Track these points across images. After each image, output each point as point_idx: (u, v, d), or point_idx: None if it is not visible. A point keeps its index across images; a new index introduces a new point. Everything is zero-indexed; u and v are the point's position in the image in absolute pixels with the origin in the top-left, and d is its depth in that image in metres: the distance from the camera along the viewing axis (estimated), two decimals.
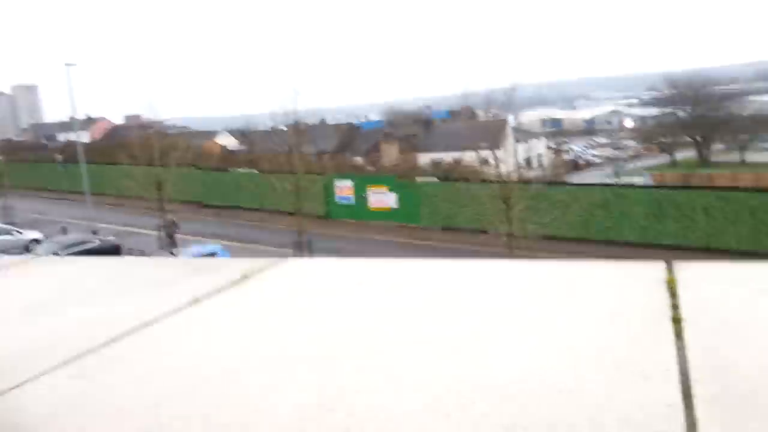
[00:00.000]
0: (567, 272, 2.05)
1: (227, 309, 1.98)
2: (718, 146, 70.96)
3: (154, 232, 28.57)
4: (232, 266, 2.55)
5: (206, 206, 38.28)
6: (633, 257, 23.83)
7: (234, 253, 25.42)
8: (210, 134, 70.10)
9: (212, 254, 24.05)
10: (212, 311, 1.96)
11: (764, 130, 69.88)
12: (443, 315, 1.77)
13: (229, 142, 65.25)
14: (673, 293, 1.70)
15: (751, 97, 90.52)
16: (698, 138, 68.57)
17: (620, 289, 1.81)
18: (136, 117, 36.33)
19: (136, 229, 31.34)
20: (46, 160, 50.70)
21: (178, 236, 28.30)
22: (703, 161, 66.12)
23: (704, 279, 1.85)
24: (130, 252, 27.34)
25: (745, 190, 27.61)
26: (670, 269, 1.91)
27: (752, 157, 66.39)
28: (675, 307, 1.61)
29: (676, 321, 1.54)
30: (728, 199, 24.18)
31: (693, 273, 1.89)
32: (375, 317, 1.81)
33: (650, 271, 1.92)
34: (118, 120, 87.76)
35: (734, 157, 67.21)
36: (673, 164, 65.17)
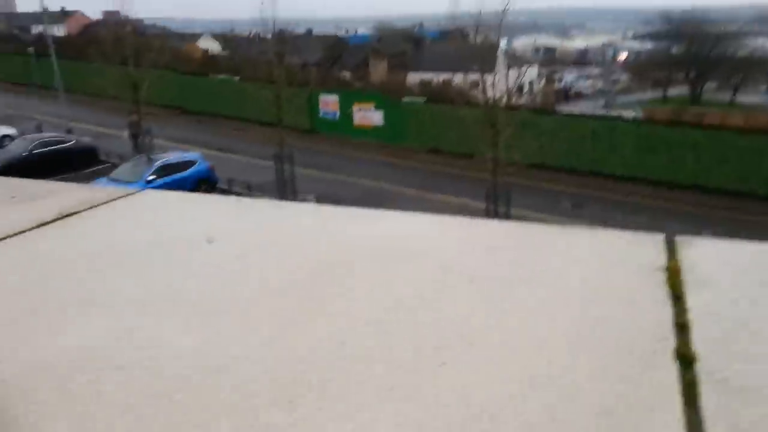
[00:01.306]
0: (542, 238, 1.61)
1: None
2: (710, 85, 70.30)
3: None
4: (58, 196, 1.98)
5: (185, 112, 37.12)
6: (618, 190, 23.81)
7: (215, 161, 24.76)
8: (192, 37, 67.31)
9: (191, 162, 23.39)
10: None
11: (758, 71, 69.14)
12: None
13: (212, 46, 62.79)
14: (675, 286, 1.28)
15: (748, 39, 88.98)
16: (691, 75, 67.68)
17: (603, 276, 1.37)
18: (115, 13, 34.36)
19: (111, 131, 30.33)
20: (18, 53, 48.36)
21: (156, 141, 27.43)
22: (695, 99, 65.56)
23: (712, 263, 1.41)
24: (107, 155, 26.53)
25: (735, 130, 27.28)
26: (671, 247, 1.48)
27: (744, 98, 65.97)
28: (680, 311, 1.19)
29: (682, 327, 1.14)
30: (718, 138, 23.85)
31: (701, 257, 1.44)
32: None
33: (645, 250, 1.48)
34: (95, 15, 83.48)
35: (726, 97, 66.72)
36: (665, 100, 64.45)
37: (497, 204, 19.16)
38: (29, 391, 0.96)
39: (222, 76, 37.22)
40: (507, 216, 18.74)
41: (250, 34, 49.31)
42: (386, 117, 31.57)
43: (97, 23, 66.46)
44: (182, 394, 0.95)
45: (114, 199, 1.89)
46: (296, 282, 1.35)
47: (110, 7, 32.65)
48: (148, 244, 1.58)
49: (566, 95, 66.08)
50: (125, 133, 27.63)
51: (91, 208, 1.81)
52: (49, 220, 1.74)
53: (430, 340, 1.10)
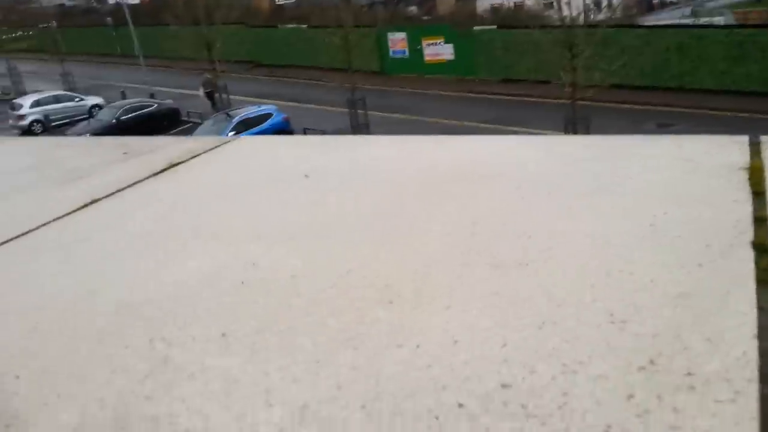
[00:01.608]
0: (622, 149, 1.63)
1: (132, 210, 1.67)
2: None
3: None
4: (164, 149, 2.15)
5: (258, 65, 37.66)
6: (707, 105, 22.40)
7: (290, 112, 25.20)
8: None
9: (267, 115, 23.93)
10: (111, 213, 1.66)
11: None
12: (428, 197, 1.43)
13: None
14: (756, 184, 1.28)
15: None
16: None
17: (683, 178, 1.39)
18: None
19: (190, 91, 31.35)
20: (97, 24, 50.29)
21: (233, 97, 28.14)
22: None
23: None
24: (188, 114, 27.56)
25: None
26: (755, 148, 1.47)
27: None
28: (760, 206, 1.21)
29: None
30: None
31: None
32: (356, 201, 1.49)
33: (727, 152, 1.47)
34: None
35: None
36: (759, 1, 58.94)
37: (577, 131, 18.53)
38: (171, 305, 1.14)
39: (291, 26, 37.30)
40: None
41: None
42: (457, 50, 30.80)
43: None
44: (296, 299, 1.10)
45: (213, 148, 2.07)
46: (387, 205, 1.47)
47: None
48: (249, 182, 1.75)
49: (650, 5, 61.81)
50: (200, 92, 28.48)
51: (194, 157, 1.99)
52: (159, 170, 1.93)
53: (511, 246, 1.19)
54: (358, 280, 1.15)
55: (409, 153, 1.87)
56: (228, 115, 23.47)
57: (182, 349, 1.01)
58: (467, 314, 1.00)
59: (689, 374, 0.81)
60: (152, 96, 29.84)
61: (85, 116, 28.78)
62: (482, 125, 23.84)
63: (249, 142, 2.17)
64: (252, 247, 1.34)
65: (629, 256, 1.10)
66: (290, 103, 28.31)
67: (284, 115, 24.00)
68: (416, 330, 0.98)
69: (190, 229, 1.49)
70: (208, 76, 28.13)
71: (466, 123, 24.20)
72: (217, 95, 27.94)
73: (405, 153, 1.87)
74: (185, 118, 27.48)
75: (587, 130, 18.46)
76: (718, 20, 35.66)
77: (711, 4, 54.87)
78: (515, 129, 22.26)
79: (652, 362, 0.84)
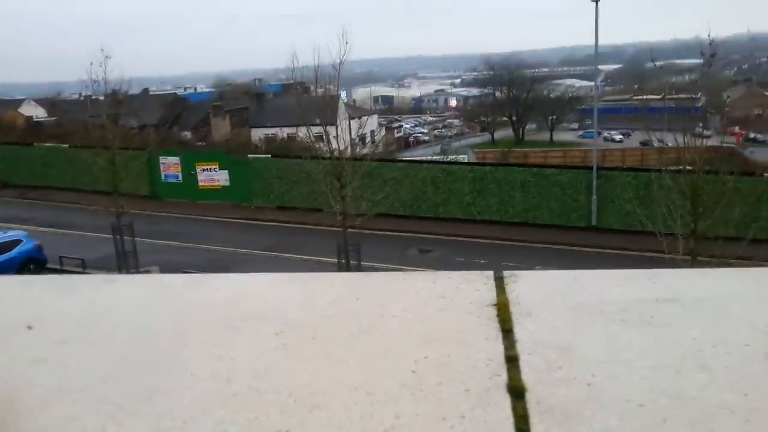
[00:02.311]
0: (382, 285, 1.66)
1: None
2: (531, 125, 77.49)
3: None
4: None
5: (7, 185, 33.90)
6: (459, 233, 25.09)
7: (45, 239, 22.76)
8: (11, 103, 62.22)
9: (16, 242, 21.33)
10: None
11: (568, 111, 77.63)
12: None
13: (35, 112, 58.36)
14: (504, 320, 1.37)
15: (557, 81, 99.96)
16: (513, 117, 74.27)
17: (439, 317, 1.45)
18: None
19: None
20: None
21: None
22: (519, 140, 71.76)
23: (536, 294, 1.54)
24: None
25: (555, 167, 30.21)
26: (500, 283, 1.59)
27: (559, 135, 73.47)
28: (510, 344, 1.28)
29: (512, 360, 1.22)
30: (541, 175, 26.20)
31: (525, 289, 1.56)
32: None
33: (476, 288, 1.58)
34: None
35: (545, 135, 73.84)
36: (493, 142, 69.95)
37: (348, 257, 19.37)
38: None
39: (49, 144, 34.58)
40: (359, 267, 19.01)
41: (80, 96, 46.62)
42: (232, 176, 31.04)
43: None
44: None
45: None
46: (130, 361, 1.26)
47: None
48: None
49: (407, 142, 69.47)
50: None
51: None
52: None
53: (271, 408, 1.06)
54: None
55: (158, 294, 1.68)
56: None
57: None
58: None
59: None
60: None
61: None
62: (260, 252, 23.79)
63: None
64: None
65: (394, 411, 1.04)
66: (46, 229, 25.67)
67: (36, 242, 21.59)
68: None
69: None
70: None
71: (242, 250, 23.97)
72: None
73: (153, 294, 1.67)
74: None
75: (358, 257, 19.37)
76: (463, 158, 41.20)
77: (456, 144, 63.49)
78: (291, 256, 22.58)
79: None
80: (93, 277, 1.82)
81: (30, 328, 1.45)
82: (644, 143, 44.61)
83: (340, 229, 20.23)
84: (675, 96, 37.83)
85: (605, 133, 68.17)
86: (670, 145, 23.61)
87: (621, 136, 69.51)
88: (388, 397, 1.08)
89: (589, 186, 24.91)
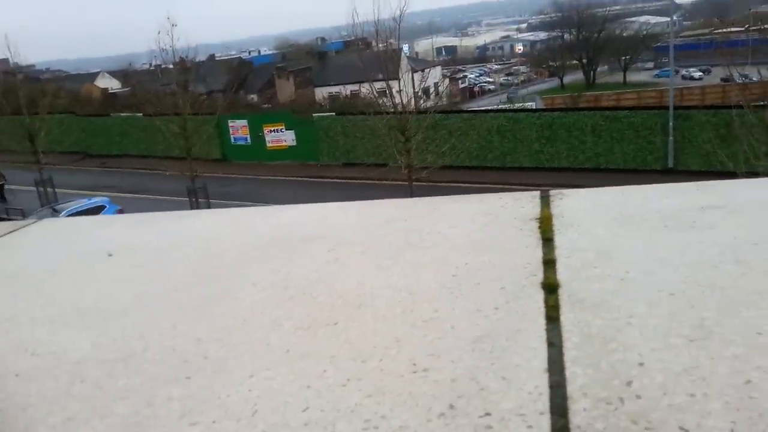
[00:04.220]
0: (433, 207, 1.72)
1: None
2: (602, 68, 74.19)
3: (34, 188, 26.27)
4: None
5: (89, 155, 35.70)
6: (527, 182, 24.66)
7: (125, 204, 23.96)
8: (88, 76, 64.92)
9: (100, 207, 22.53)
10: None
11: (642, 50, 73.72)
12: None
13: (110, 84, 60.74)
14: (545, 231, 1.41)
15: (631, 19, 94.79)
16: (584, 60, 71.21)
17: (483, 230, 1.50)
18: (3, 62, 32.71)
19: (13, 186, 28.77)
20: None
21: (62, 190, 26.23)
22: (590, 83, 68.96)
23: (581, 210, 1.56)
24: (8, 212, 25.13)
25: (628, 108, 28.97)
26: (545, 200, 1.62)
27: (633, 76, 70.07)
28: (549, 250, 1.32)
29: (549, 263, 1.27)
30: (613, 118, 25.21)
31: (570, 204, 1.59)
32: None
33: (522, 205, 1.62)
34: None
35: (617, 77, 70.62)
36: (563, 87, 67.54)
37: None
38: None
39: (125, 114, 36.04)
40: None
41: (150, 66, 48.13)
42: (298, 136, 31.49)
43: None
44: (77, 387, 0.98)
45: (11, 231, 1.86)
46: (196, 277, 1.39)
47: None
48: (41, 265, 1.57)
49: (471, 92, 68.13)
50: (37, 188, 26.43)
51: None
52: None
53: (322, 307, 1.17)
54: (153, 357, 1.05)
55: (227, 224, 1.81)
56: (54, 209, 21.70)
57: None
58: (271, 381, 0.94)
59: (486, 414, 0.82)
60: None
61: None
62: None
63: (52, 224, 1.98)
64: (35, 333, 1.18)
65: (433, 306, 1.11)
66: (126, 195, 26.95)
67: (118, 207, 22.73)
68: (214, 405, 0.90)
69: None
70: None
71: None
72: (43, 189, 25.88)
73: (221, 225, 1.81)
74: (3, 216, 24.98)
75: None
76: (530, 105, 40.09)
77: (523, 91, 61.69)
78: None
79: (451, 407, 0.84)
80: (168, 214, 1.98)
81: (110, 255, 1.61)
82: (725, 79, 41.93)
83: (406, 182, 20.33)
84: (760, 27, 35.18)
85: (683, 71, 64.51)
86: (754, 79, 22.28)
87: (700, 74, 65.59)
88: (428, 296, 1.16)
89: (665, 127, 23.80)
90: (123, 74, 65.10)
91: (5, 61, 32.16)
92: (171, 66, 27.39)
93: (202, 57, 51.68)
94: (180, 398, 0.92)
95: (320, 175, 29.23)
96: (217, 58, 64.95)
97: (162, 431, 0.85)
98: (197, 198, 22.30)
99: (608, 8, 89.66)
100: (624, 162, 24.82)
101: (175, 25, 23.35)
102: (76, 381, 1.00)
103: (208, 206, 22.42)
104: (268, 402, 0.89)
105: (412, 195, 19.61)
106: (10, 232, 1.90)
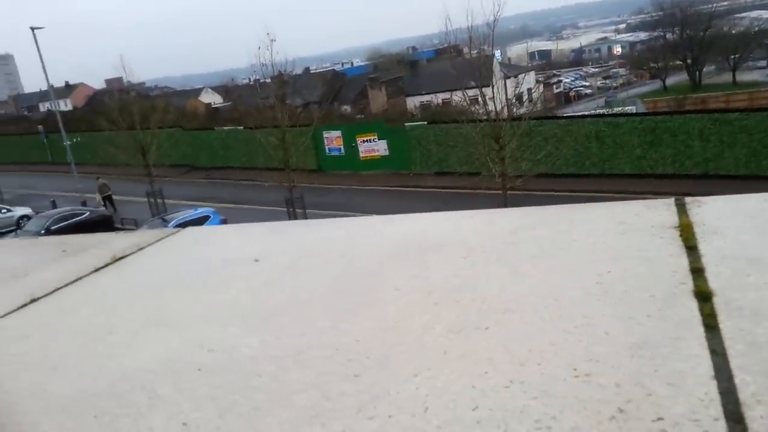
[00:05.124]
0: (561, 216, 1.72)
1: (73, 308, 1.61)
2: (709, 68, 70.03)
3: (144, 199, 28.14)
4: (107, 245, 2.13)
5: (195, 168, 37.73)
6: (629, 189, 23.70)
7: (228, 214, 25.11)
8: (193, 92, 68.76)
9: (205, 217, 23.73)
10: (52, 310, 1.60)
11: (754, 47, 68.96)
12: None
13: (213, 99, 64.03)
14: (688, 239, 1.38)
15: (741, 14, 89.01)
16: (689, 61, 67.56)
17: (621, 238, 1.48)
18: (117, 80, 35.29)
19: (125, 197, 30.91)
20: (28, 132, 49.62)
21: (170, 201, 27.92)
22: (695, 84, 65.33)
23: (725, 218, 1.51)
24: (122, 221, 27.02)
25: (740, 110, 27.22)
26: (681, 208, 1.59)
27: (743, 76, 65.68)
28: (695, 258, 1.29)
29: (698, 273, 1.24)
30: (723, 121, 23.77)
31: (710, 212, 1.55)
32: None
33: (658, 212, 1.59)
34: (98, 85, 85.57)
35: (726, 78, 66.44)
36: (665, 90, 64.38)
37: None
38: (125, 396, 1.09)
39: (227, 127, 37.85)
40: None
41: (250, 81, 50.25)
42: (390, 145, 31.85)
43: (101, 92, 68.30)
44: (256, 380, 1.07)
45: (160, 239, 2.04)
46: (341, 281, 1.48)
47: (111, 75, 33.47)
48: (199, 269, 1.72)
49: (567, 97, 66.31)
50: (97, 198, 28.51)
51: (139, 249, 1.96)
52: (102, 265, 1.88)
53: (469, 312, 1.21)
54: (319, 355, 1.14)
55: (357, 232, 1.90)
56: (163, 219, 23.11)
57: None
58: (435, 380, 1.00)
59: (659, 419, 0.83)
60: (84, 203, 29.21)
61: (12, 228, 27.76)
62: None
63: (195, 232, 2.15)
64: (206, 331, 1.30)
65: (582, 312, 1.13)
66: (228, 205, 28.23)
67: (222, 217, 23.86)
68: (386, 401, 0.97)
69: (139, 318, 1.44)
70: (103, 181, 28.44)
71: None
72: (154, 200, 27.69)
73: (352, 232, 1.90)
74: (119, 225, 26.88)
75: None
76: (630, 109, 38.53)
77: (622, 95, 59.36)
78: None
79: (621, 411, 0.86)
80: (296, 222, 2.10)
81: (257, 261, 1.74)
82: None
83: (500, 191, 20.06)
84: None
85: None
86: None
87: None
88: (575, 303, 1.18)
89: None
90: (225, 89, 68.45)
91: (119, 79, 34.53)
92: (269, 80, 28.51)
93: (298, 70, 53.47)
94: (353, 393, 1.00)
95: (413, 184, 29.38)
96: (312, 71, 66.91)
97: (342, 423, 0.93)
98: (294, 208, 23.02)
99: (714, 4, 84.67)
100: (736, 168, 23.34)
101: (274, 41, 24.35)
102: (253, 375, 1.10)
103: (305, 216, 23.09)
104: (437, 399, 0.95)
105: (506, 204, 19.32)
106: (159, 240, 2.08)
